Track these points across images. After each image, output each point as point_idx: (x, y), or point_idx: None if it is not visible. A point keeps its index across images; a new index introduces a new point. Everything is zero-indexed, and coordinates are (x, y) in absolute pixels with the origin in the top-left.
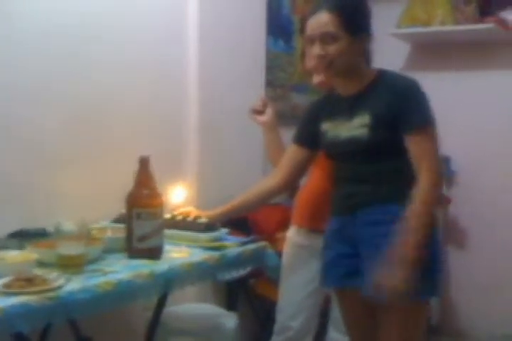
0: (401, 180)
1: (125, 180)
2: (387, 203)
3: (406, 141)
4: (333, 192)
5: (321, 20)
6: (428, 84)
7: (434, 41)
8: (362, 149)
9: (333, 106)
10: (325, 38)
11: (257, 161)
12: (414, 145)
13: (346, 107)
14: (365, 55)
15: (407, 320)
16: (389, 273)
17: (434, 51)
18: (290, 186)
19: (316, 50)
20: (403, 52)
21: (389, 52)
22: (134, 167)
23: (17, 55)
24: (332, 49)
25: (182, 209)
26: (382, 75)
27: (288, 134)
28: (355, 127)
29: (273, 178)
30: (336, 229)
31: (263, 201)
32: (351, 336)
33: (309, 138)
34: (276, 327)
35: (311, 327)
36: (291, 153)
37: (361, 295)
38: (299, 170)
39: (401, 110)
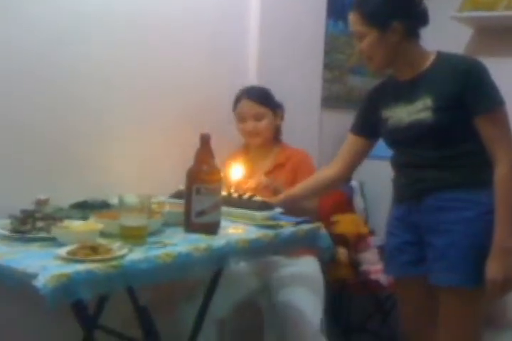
0: (469, 165)
1: (182, 157)
2: (455, 189)
3: (477, 124)
4: (395, 178)
5: (350, 20)
6: (490, 70)
7: (497, 26)
8: (426, 133)
9: (392, 92)
10: (357, 36)
11: (313, 143)
12: (486, 127)
13: (406, 92)
14: (413, 40)
15: (469, 307)
16: (500, 266)
17: (498, 36)
18: (348, 176)
19: (356, 46)
20: (465, 36)
21: (450, 36)
22: (190, 146)
23: (85, 42)
24: (363, 45)
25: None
26: (442, 57)
27: (343, 117)
28: (417, 110)
29: (332, 169)
30: (399, 216)
31: (321, 191)
32: (406, 332)
33: (368, 128)
34: None
35: None
36: (350, 143)
37: (424, 284)
38: (358, 160)
39: (468, 91)
